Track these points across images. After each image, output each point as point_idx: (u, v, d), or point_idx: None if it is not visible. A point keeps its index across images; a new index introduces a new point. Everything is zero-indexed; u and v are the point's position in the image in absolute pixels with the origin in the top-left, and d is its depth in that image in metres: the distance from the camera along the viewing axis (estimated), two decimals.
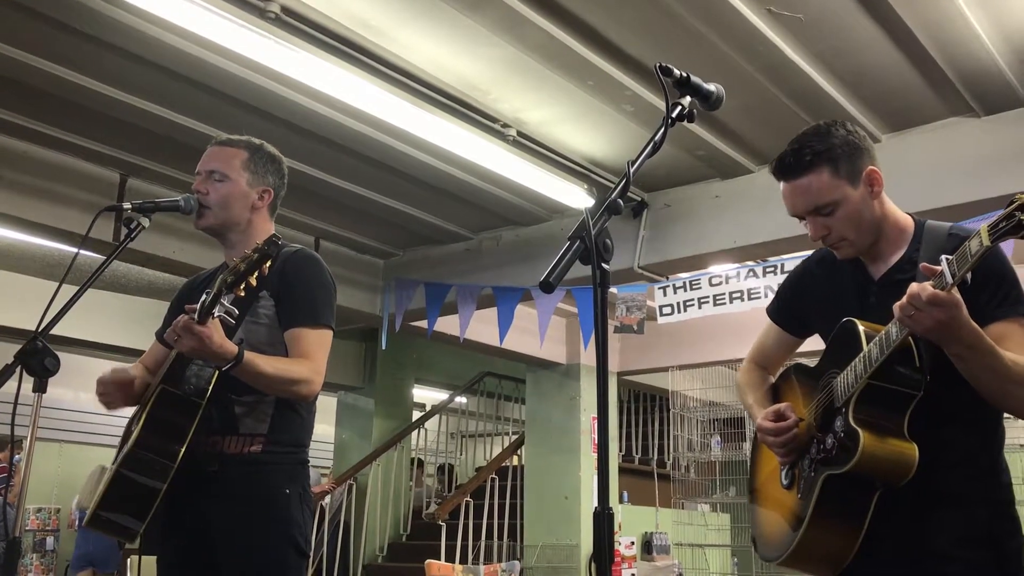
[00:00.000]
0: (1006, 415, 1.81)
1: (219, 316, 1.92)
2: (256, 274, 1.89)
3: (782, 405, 1.92)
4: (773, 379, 2.15)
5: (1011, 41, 3.64)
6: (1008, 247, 3.71)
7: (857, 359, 1.74)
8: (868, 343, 1.73)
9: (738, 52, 3.66)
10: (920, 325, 1.57)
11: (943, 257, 1.55)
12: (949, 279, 1.53)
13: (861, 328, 1.77)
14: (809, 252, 2.15)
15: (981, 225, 1.48)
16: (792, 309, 2.11)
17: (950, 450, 1.73)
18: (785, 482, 1.93)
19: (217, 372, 2.08)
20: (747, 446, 6.85)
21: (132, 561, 6.41)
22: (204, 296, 1.91)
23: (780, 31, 3.56)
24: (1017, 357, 1.65)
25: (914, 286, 1.56)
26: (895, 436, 1.68)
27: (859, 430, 1.68)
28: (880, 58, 3.73)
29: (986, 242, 1.46)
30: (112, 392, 2.24)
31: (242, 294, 1.93)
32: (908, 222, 1.90)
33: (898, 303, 1.60)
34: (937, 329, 1.57)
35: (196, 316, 1.91)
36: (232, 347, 1.98)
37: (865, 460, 1.66)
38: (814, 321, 2.04)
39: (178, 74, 3.85)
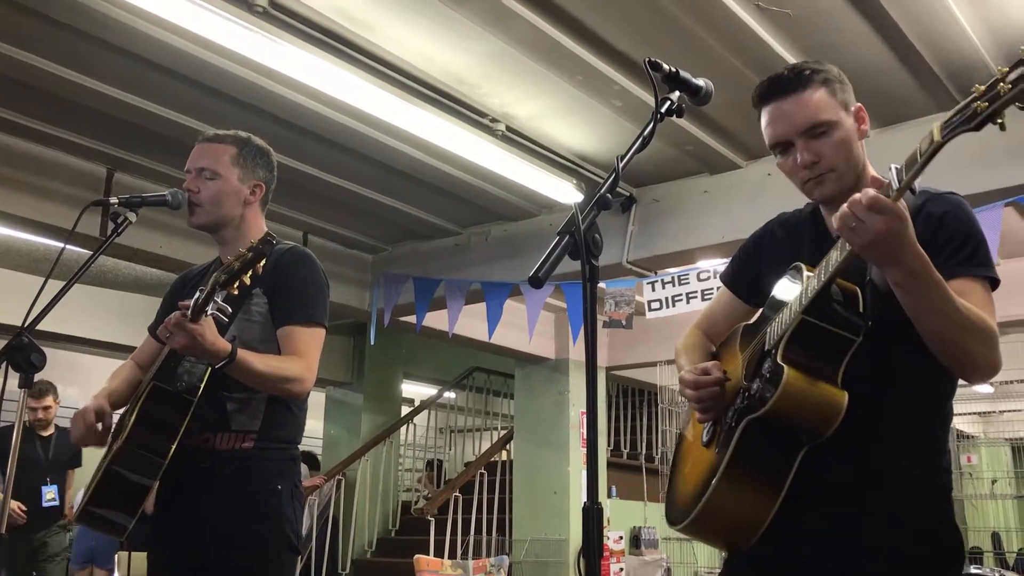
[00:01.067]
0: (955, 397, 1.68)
1: (212, 314, 1.91)
2: (250, 272, 1.89)
3: (710, 363, 1.77)
4: (714, 348, 1.97)
5: (997, 37, 3.67)
6: (996, 224, 3.74)
7: (795, 297, 1.59)
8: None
9: (726, 47, 3.67)
10: (860, 237, 1.41)
11: (891, 165, 1.41)
12: (896, 184, 1.39)
13: (805, 269, 1.61)
14: None
15: (934, 124, 1.34)
16: (747, 272, 1.93)
17: (892, 420, 1.58)
18: (705, 439, 1.75)
19: (209, 369, 2.07)
20: None
21: (120, 558, 6.38)
22: (197, 294, 1.91)
23: (768, 26, 3.57)
24: (971, 305, 1.51)
25: (856, 195, 1.43)
26: (826, 381, 1.53)
27: (784, 366, 1.51)
28: (868, 54, 3.74)
29: (937, 138, 1.32)
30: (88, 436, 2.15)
31: (235, 292, 1.92)
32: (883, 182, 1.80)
33: (836, 213, 1.46)
34: (878, 244, 1.41)
35: (189, 314, 1.90)
36: (225, 345, 1.97)
37: (787, 398, 1.49)
38: (767, 283, 1.84)
39: (165, 68, 3.84)
